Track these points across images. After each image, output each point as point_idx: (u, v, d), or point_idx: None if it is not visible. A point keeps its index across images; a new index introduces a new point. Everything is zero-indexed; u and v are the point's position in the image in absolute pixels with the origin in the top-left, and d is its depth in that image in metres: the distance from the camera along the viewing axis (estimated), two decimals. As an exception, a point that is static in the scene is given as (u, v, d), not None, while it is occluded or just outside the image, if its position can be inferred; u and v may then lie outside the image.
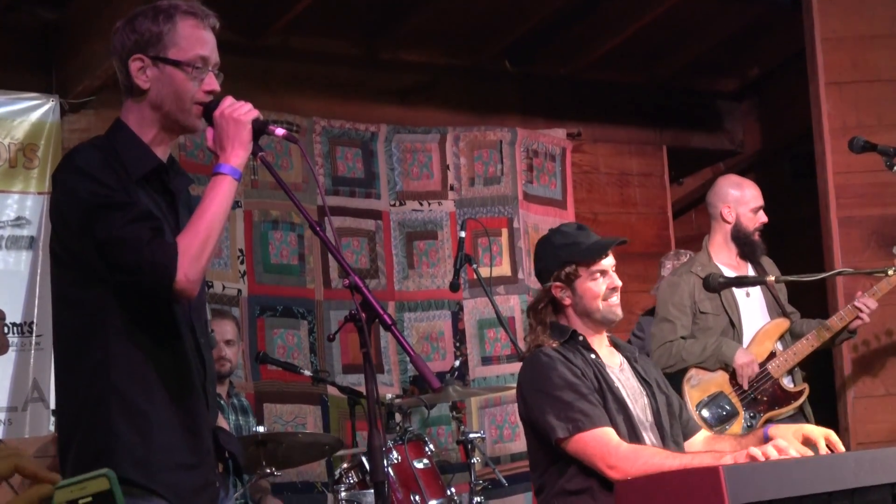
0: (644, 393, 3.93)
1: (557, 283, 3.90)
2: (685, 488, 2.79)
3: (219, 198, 2.97)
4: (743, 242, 5.60)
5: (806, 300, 6.83)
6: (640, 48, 7.82)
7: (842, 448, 3.44)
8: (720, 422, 5.36)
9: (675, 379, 5.44)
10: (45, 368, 5.81)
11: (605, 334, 4.00)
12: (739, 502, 2.69)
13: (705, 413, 5.37)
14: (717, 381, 5.44)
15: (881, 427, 6.06)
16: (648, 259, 7.56)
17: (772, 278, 5.31)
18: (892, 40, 6.32)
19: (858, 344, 6.09)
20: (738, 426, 5.37)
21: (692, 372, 5.46)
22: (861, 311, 5.41)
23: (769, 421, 5.38)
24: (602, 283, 3.90)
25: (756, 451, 3.27)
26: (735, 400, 5.42)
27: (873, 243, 6.10)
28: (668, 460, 3.50)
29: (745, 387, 5.38)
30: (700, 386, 5.43)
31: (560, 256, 3.91)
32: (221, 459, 3.20)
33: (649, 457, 3.55)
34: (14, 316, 5.76)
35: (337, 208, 6.81)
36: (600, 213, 7.88)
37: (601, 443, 3.62)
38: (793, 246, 6.77)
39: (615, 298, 3.92)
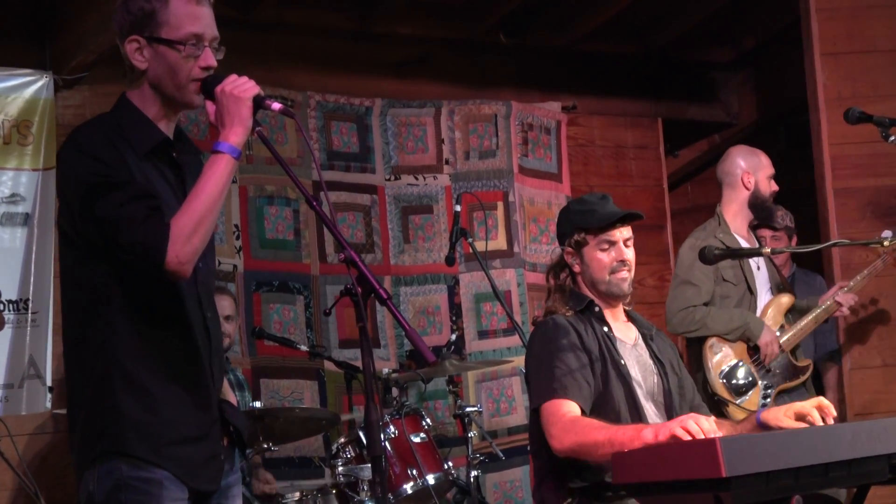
0: (655, 371, 3.93)
1: (569, 249, 3.95)
2: (683, 460, 2.79)
3: (215, 177, 2.96)
4: (760, 208, 5.74)
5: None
6: (634, 19, 7.79)
7: (834, 412, 3.45)
8: (738, 392, 5.44)
9: (695, 343, 5.59)
10: (41, 345, 5.82)
11: (621, 307, 4.00)
12: (737, 473, 2.69)
13: (725, 381, 5.45)
14: (737, 350, 5.55)
15: (878, 398, 6.07)
16: (644, 231, 7.53)
17: (767, 250, 5.32)
18: (887, 10, 6.28)
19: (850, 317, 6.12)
20: (756, 395, 5.49)
21: (713, 339, 5.54)
22: (841, 304, 5.65)
23: (783, 392, 5.52)
24: (609, 255, 3.90)
25: (680, 432, 3.20)
26: (754, 370, 5.50)
27: (869, 214, 6.09)
28: (595, 432, 3.49)
29: (766, 363, 5.48)
30: (721, 354, 5.52)
31: (573, 222, 3.96)
32: (226, 433, 3.23)
33: (581, 428, 3.55)
34: (9, 293, 5.76)
35: (332, 183, 6.79)
36: (596, 185, 7.84)
37: (553, 413, 3.63)
38: (789, 217, 6.77)
39: (624, 273, 3.91)
